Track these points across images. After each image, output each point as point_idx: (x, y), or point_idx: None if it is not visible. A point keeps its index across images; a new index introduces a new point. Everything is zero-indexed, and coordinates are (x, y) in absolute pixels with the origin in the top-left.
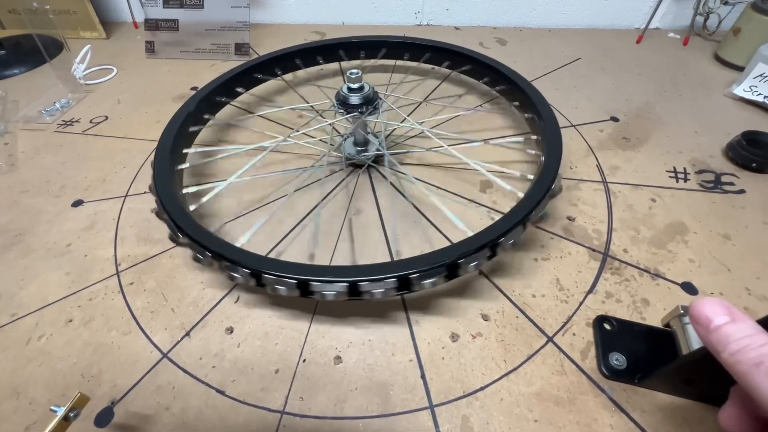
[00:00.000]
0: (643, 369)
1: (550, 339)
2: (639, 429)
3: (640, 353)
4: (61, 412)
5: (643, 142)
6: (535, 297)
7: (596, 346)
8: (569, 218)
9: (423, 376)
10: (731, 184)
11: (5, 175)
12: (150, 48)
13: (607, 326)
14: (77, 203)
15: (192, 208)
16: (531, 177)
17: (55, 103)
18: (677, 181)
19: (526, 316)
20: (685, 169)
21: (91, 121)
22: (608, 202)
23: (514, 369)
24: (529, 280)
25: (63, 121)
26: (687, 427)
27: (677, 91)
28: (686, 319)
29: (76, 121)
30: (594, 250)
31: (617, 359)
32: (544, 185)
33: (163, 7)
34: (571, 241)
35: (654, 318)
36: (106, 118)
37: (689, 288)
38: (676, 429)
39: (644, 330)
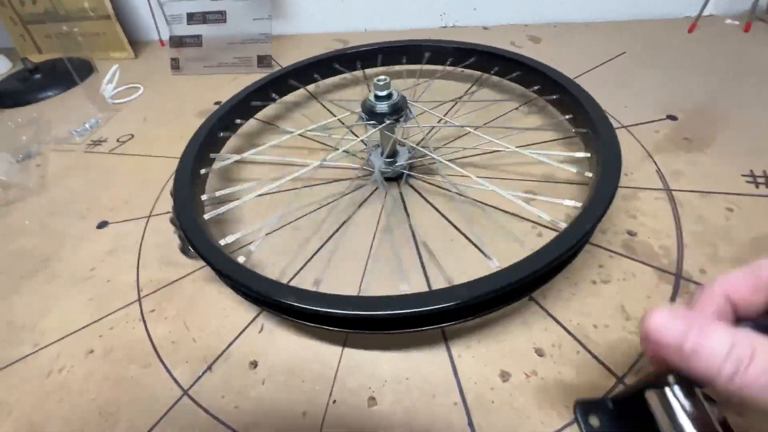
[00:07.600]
0: None
1: (620, 380)
2: None
3: None
4: None
5: (710, 142)
6: (596, 328)
7: None
8: (629, 233)
9: (470, 424)
10: None
11: (36, 196)
12: (175, 65)
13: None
14: (102, 225)
15: (208, 216)
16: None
17: (84, 123)
18: (757, 187)
19: (589, 352)
20: (765, 171)
21: (117, 140)
22: (674, 213)
23: None
24: (587, 307)
25: (92, 140)
26: None
27: (743, 83)
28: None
29: (104, 141)
30: (663, 271)
31: None
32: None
33: (188, 24)
34: (634, 260)
35: None
36: (132, 136)
37: None
38: None
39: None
